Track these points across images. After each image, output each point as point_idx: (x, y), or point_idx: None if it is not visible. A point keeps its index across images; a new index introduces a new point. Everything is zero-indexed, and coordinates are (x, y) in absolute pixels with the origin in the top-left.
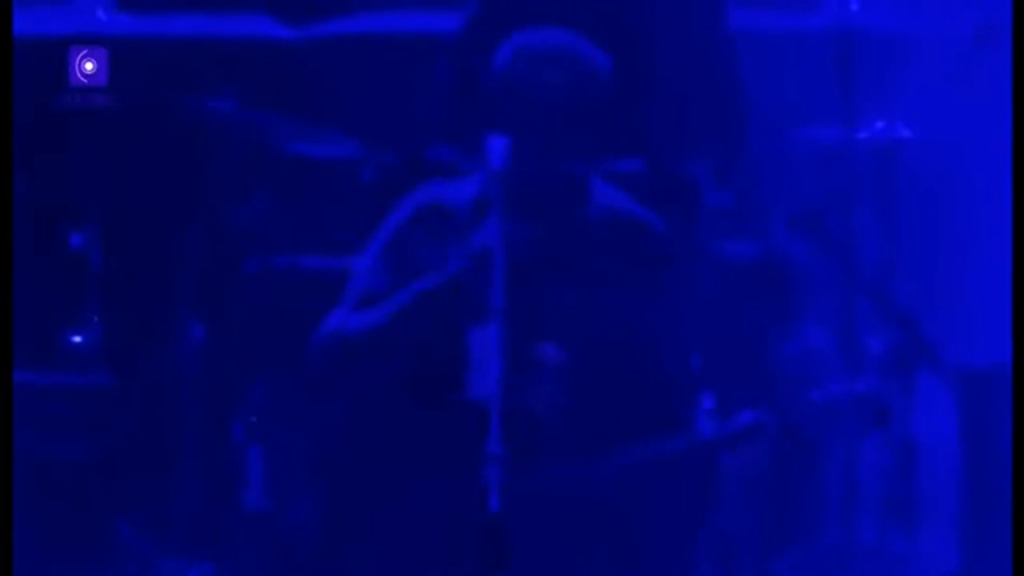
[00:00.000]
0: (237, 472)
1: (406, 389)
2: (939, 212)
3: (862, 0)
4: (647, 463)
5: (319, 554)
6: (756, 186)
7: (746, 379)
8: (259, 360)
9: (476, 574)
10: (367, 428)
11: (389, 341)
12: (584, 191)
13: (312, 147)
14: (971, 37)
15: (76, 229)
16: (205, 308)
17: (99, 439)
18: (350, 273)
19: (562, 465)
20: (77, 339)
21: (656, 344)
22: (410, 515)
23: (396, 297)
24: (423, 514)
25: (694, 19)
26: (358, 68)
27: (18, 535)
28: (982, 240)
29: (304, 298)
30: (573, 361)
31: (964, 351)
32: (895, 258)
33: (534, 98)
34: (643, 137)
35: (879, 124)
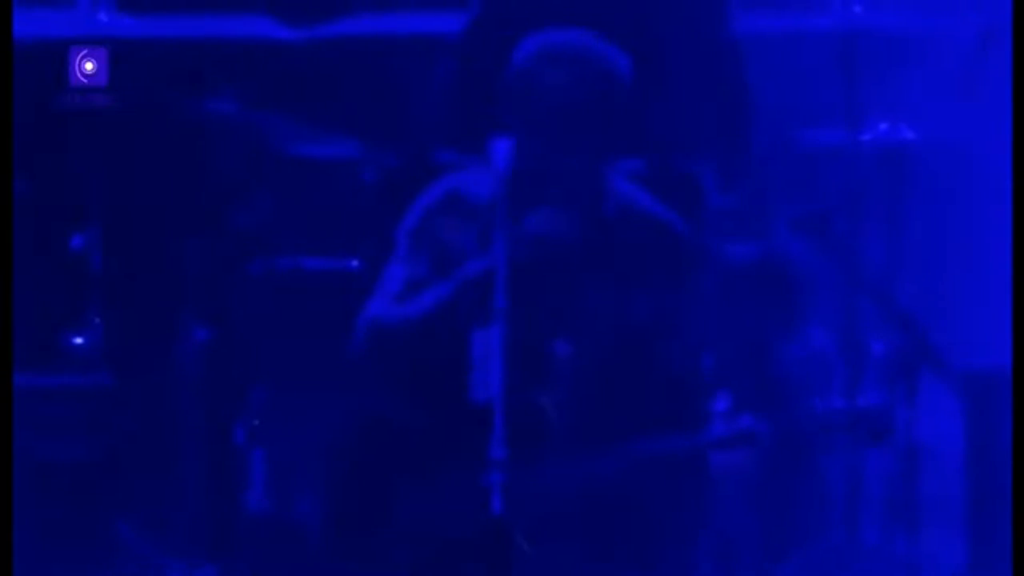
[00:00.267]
0: (239, 474)
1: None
2: (942, 214)
3: (866, 2)
4: (639, 464)
5: (322, 555)
6: (760, 187)
7: (749, 381)
8: (261, 362)
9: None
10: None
11: (431, 330)
12: (602, 188)
13: (314, 148)
14: (975, 40)
15: (77, 230)
16: (208, 310)
17: (100, 440)
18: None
19: (559, 464)
20: (79, 340)
21: (669, 343)
22: (415, 517)
23: (437, 288)
24: (428, 516)
25: (699, 21)
26: (359, 69)
27: (20, 536)
28: (986, 242)
29: (306, 300)
30: (586, 358)
31: (968, 353)
32: (898, 260)
33: (554, 96)
34: (648, 137)
35: (883, 126)
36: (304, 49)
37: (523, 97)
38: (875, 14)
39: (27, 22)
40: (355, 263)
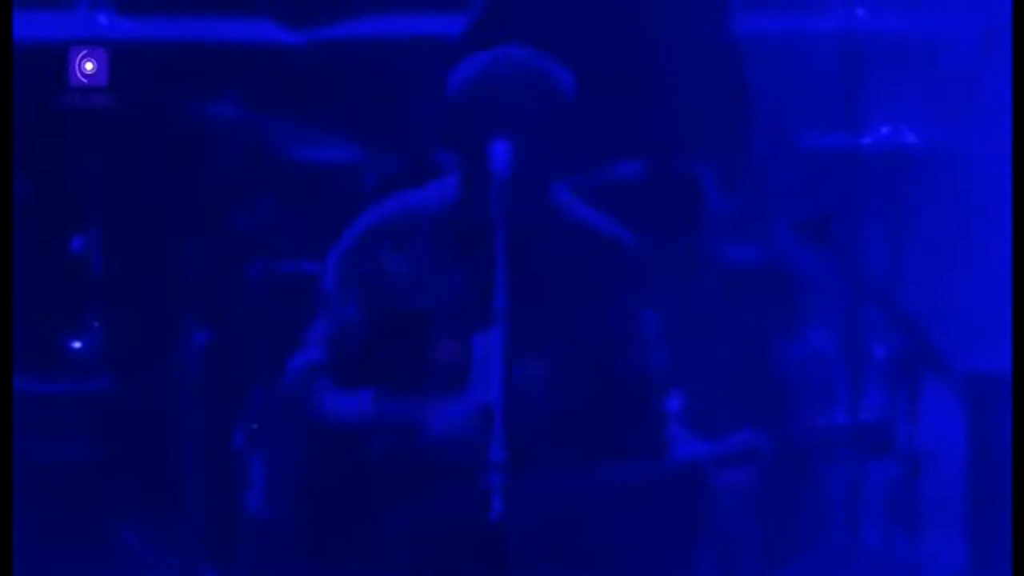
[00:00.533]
0: (239, 478)
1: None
2: (944, 217)
3: (868, 5)
4: (632, 483)
5: (319, 559)
6: (761, 190)
7: (749, 385)
8: (261, 365)
9: None
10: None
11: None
12: (548, 205)
13: (314, 151)
14: (978, 42)
15: (77, 232)
16: (207, 313)
17: (100, 443)
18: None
19: (545, 484)
20: (77, 344)
21: (621, 355)
22: (413, 521)
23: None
24: (426, 520)
25: (699, 23)
26: (360, 72)
27: (21, 539)
28: (988, 244)
29: (307, 303)
30: (546, 374)
31: (970, 356)
32: (900, 263)
33: (499, 115)
34: (649, 141)
35: (884, 129)
36: (305, 52)
37: (467, 117)
38: (877, 17)
39: (28, 24)
40: None
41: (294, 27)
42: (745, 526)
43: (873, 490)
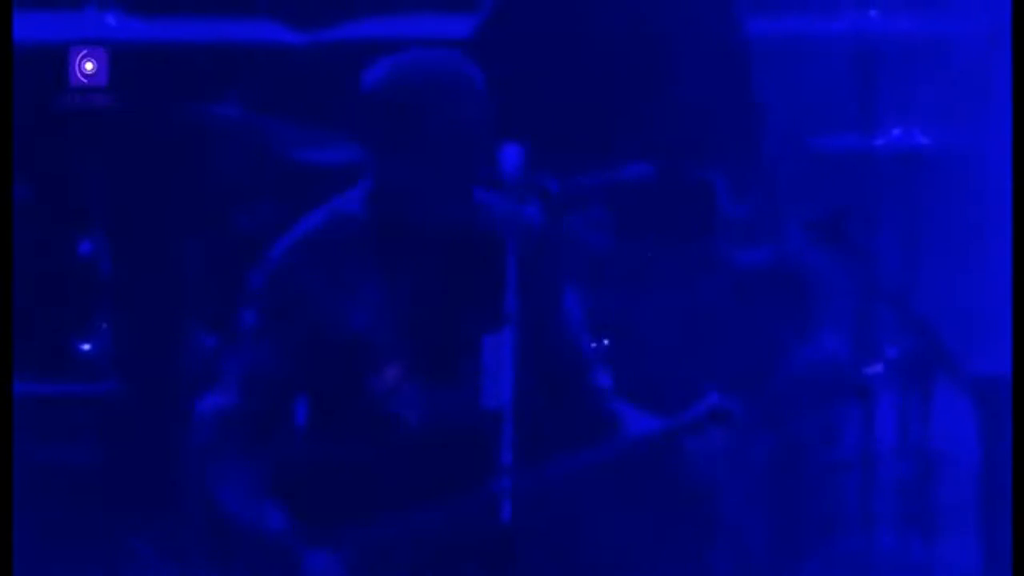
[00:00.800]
0: None
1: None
2: (957, 219)
3: (880, 7)
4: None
5: (328, 561)
6: (773, 193)
7: (762, 387)
8: None
9: None
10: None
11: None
12: (470, 203)
13: (318, 153)
14: (986, 42)
15: (85, 235)
16: (214, 316)
17: (107, 446)
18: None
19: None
20: (86, 347)
21: (561, 339)
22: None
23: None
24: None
25: (710, 26)
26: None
27: (26, 543)
28: (1001, 246)
29: None
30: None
31: (983, 358)
32: (913, 265)
33: (421, 117)
34: (660, 144)
35: (896, 131)
36: (308, 53)
37: (385, 119)
38: (889, 18)
39: (35, 25)
40: None
41: (297, 28)
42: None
43: (887, 493)
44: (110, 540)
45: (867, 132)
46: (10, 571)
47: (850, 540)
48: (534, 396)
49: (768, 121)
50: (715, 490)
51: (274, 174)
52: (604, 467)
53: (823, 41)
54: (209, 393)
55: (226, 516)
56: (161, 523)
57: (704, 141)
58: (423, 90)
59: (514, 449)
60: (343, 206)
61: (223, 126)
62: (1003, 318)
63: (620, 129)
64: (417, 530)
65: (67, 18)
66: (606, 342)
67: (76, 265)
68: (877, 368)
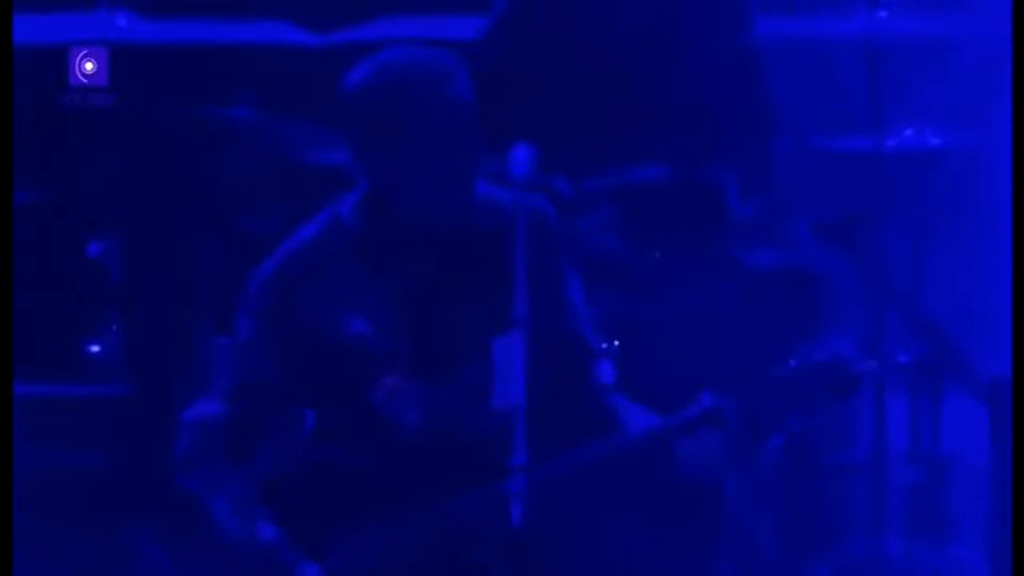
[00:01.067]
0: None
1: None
2: (968, 220)
3: (891, 7)
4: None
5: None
6: (783, 194)
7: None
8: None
9: None
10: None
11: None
12: (471, 197)
13: (328, 154)
14: (999, 41)
15: (98, 236)
16: (224, 317)
17: (117, 448)
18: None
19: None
20: (95, 348)
21: (558, 328)
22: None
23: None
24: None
25: (721, 28)
26: None
27: (35, 544)
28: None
29: None
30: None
31: (994, 362)
32: (923, 267)
33: (417, 114)
34: (670, 146)
35: (908, 132)
36: (320, 54)
37: (369, 120)
38: (900, 19)
39: (44, 27)
40: None
41: (310, 29)
42: (767, 531)
43: (897, 497)
44: (119, 542)
45: (878, 133)
46: (10, 571)
47: (859, 544)
48: (539, 392)
49: (778, 122)
50: (716, 491)
51: (285, 176)
52: (599, 465)
53: (833, 42)
54: (197, 402)
55: (218, 524)
56: (170, 525)
57: (714, 143)
58: (404, 86)
59: (526, 450)
60: (336, 213)
61: (233, 127)
62: (1015, 320)
63: (630, 131)
64: (421, 534)
65: (78, 19)
66: (616, 343)
67: (86, 267)
68: (870, 364)
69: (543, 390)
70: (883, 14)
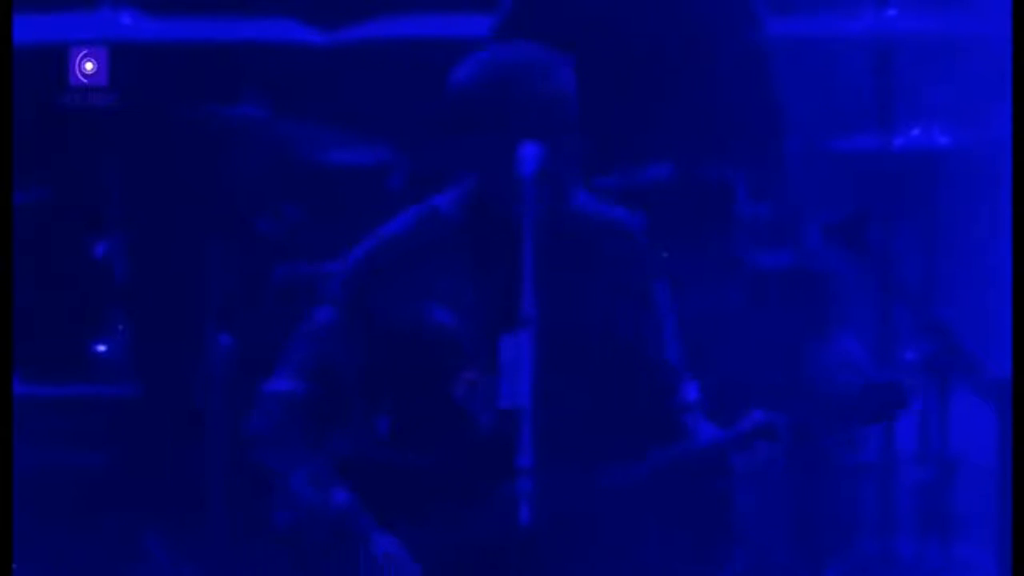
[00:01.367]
0: (264, 483)
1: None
2: (976, 219)
3: (899, 6)
4: (654, 473)
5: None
6: (792, 194)
7: (781, 389)
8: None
9: None
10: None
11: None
12: (568, 205)
13: (340, 154)
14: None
15: (106, 237)
16: (232, 317)
17: (124, 448)
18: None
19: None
20: (102, 348)
21: (639, 344)
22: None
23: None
24: (455, 528)
25: (730, 27)
26: (385, 73)
27: (42, 545)
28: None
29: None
30: (563, 364)
31: (1002, 361)
32: (932, 266)
33: (508, 109)
34: (679, 145)
35: (916, 131)
36: (329, 52)
37: (483, 113)
38: (908, 18)
39: (47, 26)
40: None
41: (318, 27)
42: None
43: (906, 497)
44: (125, 542)
45: (886, 132)
46: (9, 571)
47: (869, 544)
48: (620, 404)
49: (787, 122)
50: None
51: (289, 174)
52: (656, 476)
53: (842, 41)
54: (275, 377)
55: (292, 496)
56: (176, 525)
57: (723, 142)
58: (512, 82)
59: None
60: (437, 206)
61: (237, 126)
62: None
63: (640, 130)
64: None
65: (81, 18)
66: None
67: (91, 267)
68: (919, 382)
69: (620, 402)
70: (891, 13)
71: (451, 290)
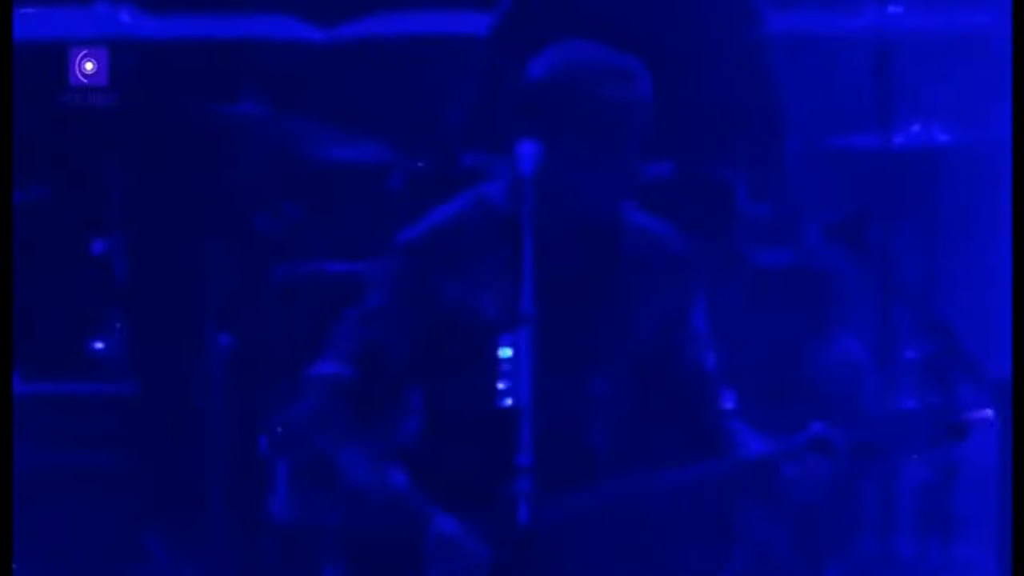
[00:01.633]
0: (263, 482)
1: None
2: (977, 217)
3: (900, 5)
4: (703, 483)
5: (345, 565)
6: (793, 193)
7: (782, 388)
8: (286, 369)
9: None
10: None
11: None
12: (616, 207)
13: (340, 151)
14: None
15: (106, 236)
16: (231, 316)
17: (123, 447)
18: (359, 297)
19: (607, 490)
20: (99, 345)
21: (684, 358)
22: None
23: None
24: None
25: (729, 25)
26: (386, 71)
27: (42, 544)
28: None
29: (332, 306)
30: (620, 390)
31: (1004, 361)
32: (933, 265)
33: (585, 111)
34: (678, 144)
35: (915, 128)
36: (330, 50)
37: (557, 109)
38: (908, 16)
39: (47, 25)
40: None
41: (318, 24)
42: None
43: (907, 498)
44: (125, 541)
45: (886, 130)
46: (9, 571)
47: (870, 544)
48: (661, 410)
49: (788, 119)
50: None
51: (289, 172)
52: (705, 486)
53: (842, 40)
54: (321, 360)
55: (346, 477)
56: (176, 523)
57: (724, 141)
58: (594, 81)
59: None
60: (487, 195)
61: (237, 124)
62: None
63: None
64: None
65: (81, 16)
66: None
67: (90, 266)
68: (986, 413)
69: (662, 408)
70: (892, 10)
71: (496, 280)
